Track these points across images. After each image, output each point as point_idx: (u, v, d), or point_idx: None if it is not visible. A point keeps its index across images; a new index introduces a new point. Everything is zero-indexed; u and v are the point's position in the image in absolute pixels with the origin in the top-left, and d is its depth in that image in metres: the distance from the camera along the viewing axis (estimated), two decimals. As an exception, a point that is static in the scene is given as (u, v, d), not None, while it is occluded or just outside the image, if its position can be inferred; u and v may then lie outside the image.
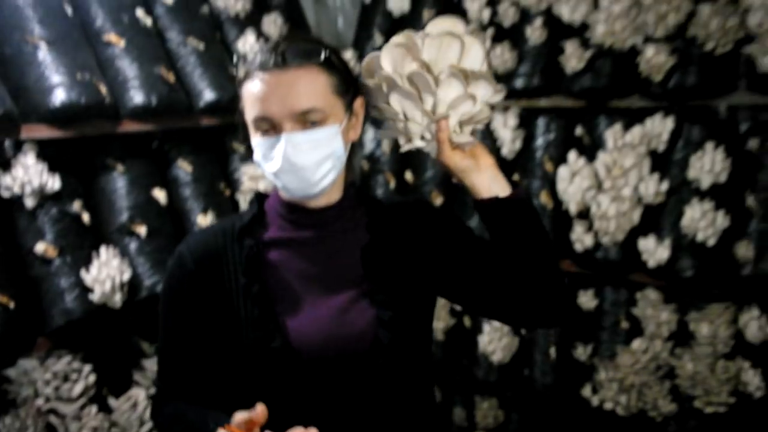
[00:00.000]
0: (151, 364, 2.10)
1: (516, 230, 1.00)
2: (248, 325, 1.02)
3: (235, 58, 1.06)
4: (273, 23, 2.55)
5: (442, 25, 0.97)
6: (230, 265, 1.05)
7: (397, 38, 0.96)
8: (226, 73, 2.28)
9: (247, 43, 2.40)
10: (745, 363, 2.02)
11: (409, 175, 2.69)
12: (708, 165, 2.01)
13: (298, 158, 0.96)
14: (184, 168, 2.26)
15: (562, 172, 2.24)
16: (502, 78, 2.36)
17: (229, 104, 2.23)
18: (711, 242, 2.01)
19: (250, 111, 0.98)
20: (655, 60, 2.01)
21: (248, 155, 2.60)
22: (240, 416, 0.89)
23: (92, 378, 1.95)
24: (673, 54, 2.01)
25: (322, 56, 0.98)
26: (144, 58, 2.07)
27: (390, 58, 0.97)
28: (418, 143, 1.01)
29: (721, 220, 2.00)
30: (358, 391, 1.03)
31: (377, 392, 1.04)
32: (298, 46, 0.98)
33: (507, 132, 2.41)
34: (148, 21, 2.16)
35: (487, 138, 2.49)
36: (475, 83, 0.96)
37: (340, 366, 1.01)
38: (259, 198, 1.12)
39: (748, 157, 2.00)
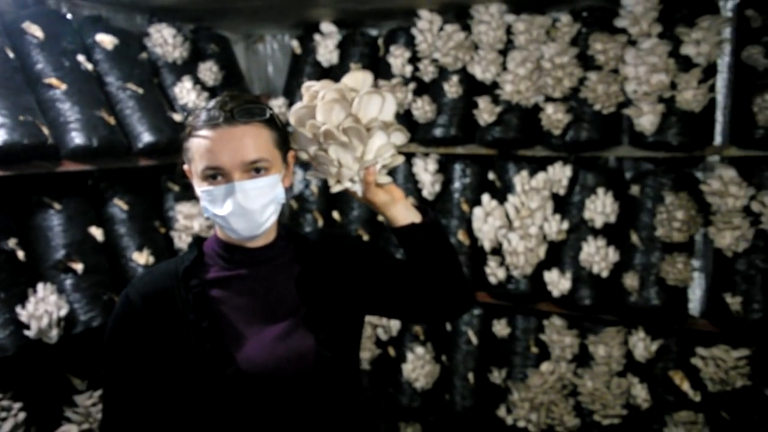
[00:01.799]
0: (83, 400, 2.10)
1: (429, 246, 1.20)
2: (201, 358, 1.11)
3: (180, 113, 1.19)
4: (208, 70, 2.68)
5: (356, 77, 1.15)
6: (178, 304, 1.14)
7: (330, 94, 1.12)
8: (164, 116, 2.37)
9: (184, 89, 2.52)
10: (635, 379, 2.31)
11: (336, 214, 2.86)
12: (600, 207, 2.32)
13: (248, 203, 1.09)
14: (120, 206, 2.32)
15: (477, 212, 2.49)
16: (423, 128, 2.61)
17: (166, 146, 2.33)
18: (604, 274, 2.31)
19: (199, 162, 1.09)
20: (554, 116, 2.32)
21: (183, 195, 2.71)
22: None
23: (22, 416, 1.94)
24: (569, 112, 2.32)
25: (267, 114, 1.13)
26: (84, 101, 2.14)
27: (324, 112, 1.13)
28: (347, 185, 1.18)
29: (612, 254, 2.30)
30: (306, 406, 1.15)
31: (322, 406, 1.17)
32: (245, 105, 1.11)
33: (428, 176, 2.64)
34: (88, 66, 2.24)
35: (410, 181, 2.71)
36: (393, 133, 1.15)
37: (288, 386, 1.13)
38: (198, 241, 1.23)
39: (632, 201, 2.33)
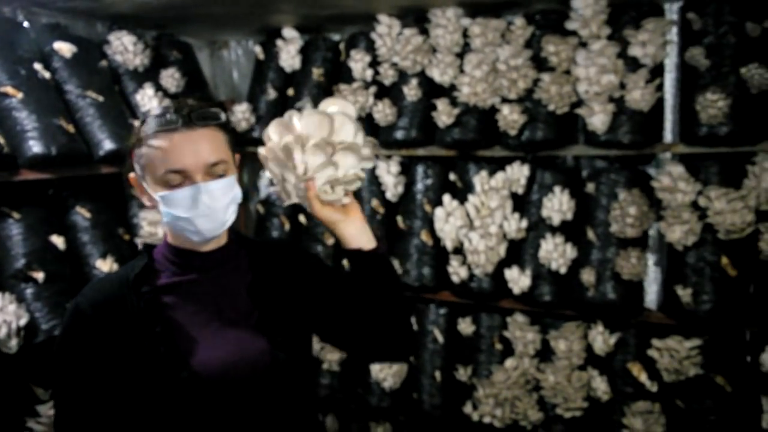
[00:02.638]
0: (45, 410, 2.09)
1: (374, 278, 1.21)
2: (155, 363, 1.12)
3: (138, 119, 1.20)
4: (171, 77, 2.69)
5: (333, 104, 1.20)
6: (129, 312, 1.15)
7: (279, 119, 1.18)
8: (126, 123, 2.38)
9: (146, 96, 2.52)
10: (594, 372, 2.37)
11: (302, 218, 2.88)
12: (557, 205, 2.38)
13: (214, 203, 1.12)
14: (82, 214, 2.31)
15: (439, 212, 2.54)
16: (385, 130, 2.65)
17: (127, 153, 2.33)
18: (563, 270, 2.37)
19: (159, 167, 1.10)
20: (510, 117, 2.38)
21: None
22: None
23: (-17, 428, 1.94)
24: (525, 113, 2.38)
25: (223, 118, 1.16)
26: (42, 109, 2.14)
27: (275, 130, 1.18)
28: (294, 199, 1.21)
29: (570, 251, 2.36)
30: (260, 409, 1.17)
31: (276, 408, 1.20)
32: (202, 109, 1.13)
33: (390, 178, 2.68)
34: (46, 74, 2.24)
35: (374, 184, 2.75)
36: (342, 153, 1.17)
37: (243, 389, 1.16)
38: (147, 248, 1.25)
39: (588, 199, 2.39)
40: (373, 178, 2.75)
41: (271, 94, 2.92)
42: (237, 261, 1.24)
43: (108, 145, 2.29)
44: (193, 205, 1.12)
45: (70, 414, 1.15)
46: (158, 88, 2.61)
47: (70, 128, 2.20)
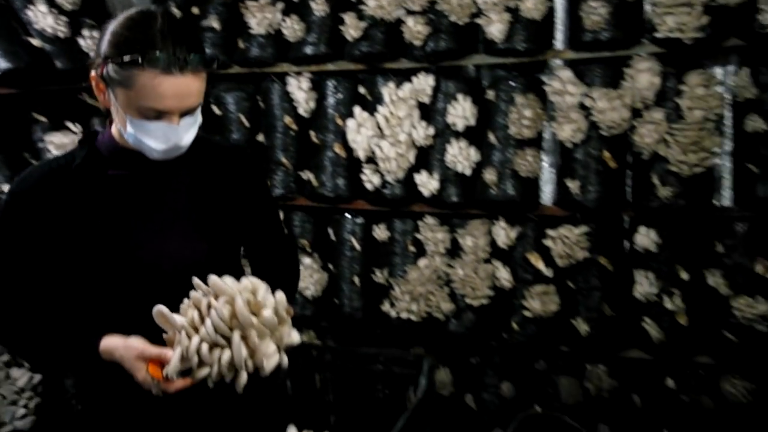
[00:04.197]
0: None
1: None
2: (101, 247, 1.20)
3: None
4: (64, -8, 2.55)
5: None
6: (70, 198, 1.20)
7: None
8: (20, 40, 2.27)
9: (39, 13, 2.40)
10: (498, 263, 2.62)
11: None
12: (461, 112, 2.54)
13: (184, 141, 1.20)
14: (-18, 138, 2.23)
15: (350, 124, 2.64)
16: (294, 46, 2.69)
17: (25, 73, 2.24)
18: (468, 172, 2.56)
19: (142, 99, 1.12)
20: (414, 29, 2.48)
21: (53, 126, 2.59)
22: (152, 351, 1.12)
23: None
24: (429, 24, 2.49)
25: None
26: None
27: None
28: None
29: (474, 154, 2.55)
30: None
31: None
32: (195, 54, 1.14)
33: (302, 94, 2.74)
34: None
35: (285, 101, 2.80)
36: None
37: (176, 281, 1.23)
38: (89, 139, 1.28)
39: (488, 105, 2.58)
40: (284, 95, 2.79)
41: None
42: (187, 159, 1.29)
43: (2, 64, 2.20)
44: (165, 139, 1.17)
45: (7, 286, 1.21)
46: (51, 4, 2.48)
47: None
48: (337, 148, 2.71)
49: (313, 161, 2.77)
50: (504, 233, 2.58)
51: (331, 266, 2.86)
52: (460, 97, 2.55)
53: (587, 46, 2.36)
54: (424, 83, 2.58)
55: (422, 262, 2.69)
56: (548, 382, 2.63)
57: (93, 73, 1.19)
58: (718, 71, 2.37)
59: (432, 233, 2.68)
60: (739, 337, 2.30)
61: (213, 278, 1.12)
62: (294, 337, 1.19)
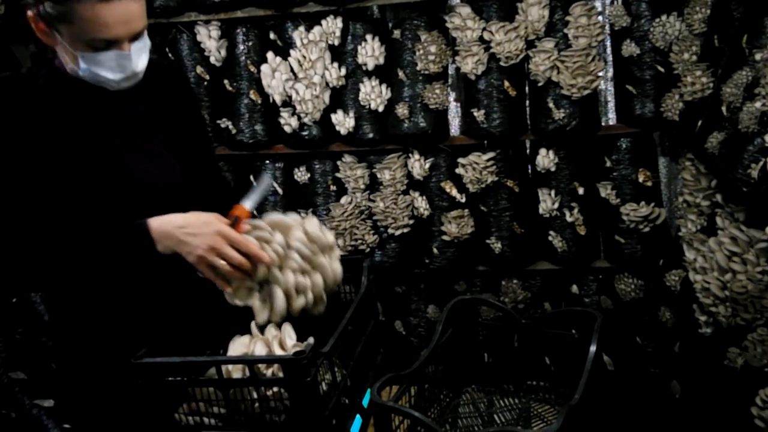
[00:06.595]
0: None
1: None
2: (93, 166, 1.22)
3: None
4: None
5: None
6: (47, 115, 1.19)
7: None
8: None
9: None
10: (416, 194, 2.79)
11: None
12: (370, 51, 2.66)
13: (138, 67, 1.22)
14: None
15: (265, 69, 2.70)
16: (200, -7, 2.69)
17: None
18: (381, 109, 2.69)
19: (88, 32, 1.13)
20: (320, -29, 2.56)
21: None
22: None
23: None
24: (333, -34, 2.58)
25: None
26: None
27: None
28: None
29: (385, 91, 2.69)
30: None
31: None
32: None
33: (212, 42, 2.75)
34: None
35: (195, 51, 2.80)
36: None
37: (164, 192, 1.31)
38: (44, 60, 1.26)
39: (395, 44, 2.71)
40: (194, 45, 2.79)
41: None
42: (140, 86, 1.31)
43: None
44: (119, 69, 1.19)
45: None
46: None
47: None
48: (253, 95, 2.76)
49: (230, 109, 2.81)
50: (418, 165, 2.75)
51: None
52: (368, 37, 2.66)
53: (483, -17, 2.53)
54: (332, 26, 2.67)
55: (344, 200, 2.82)
56: (468, 299, 2.86)
57: (30, 13, 1.17)
58: (597, 3, 2.63)
59: (351, 171, 2.81)
60: (627, 239, 2.61)
61: (272, 215, 1.37)
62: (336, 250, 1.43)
